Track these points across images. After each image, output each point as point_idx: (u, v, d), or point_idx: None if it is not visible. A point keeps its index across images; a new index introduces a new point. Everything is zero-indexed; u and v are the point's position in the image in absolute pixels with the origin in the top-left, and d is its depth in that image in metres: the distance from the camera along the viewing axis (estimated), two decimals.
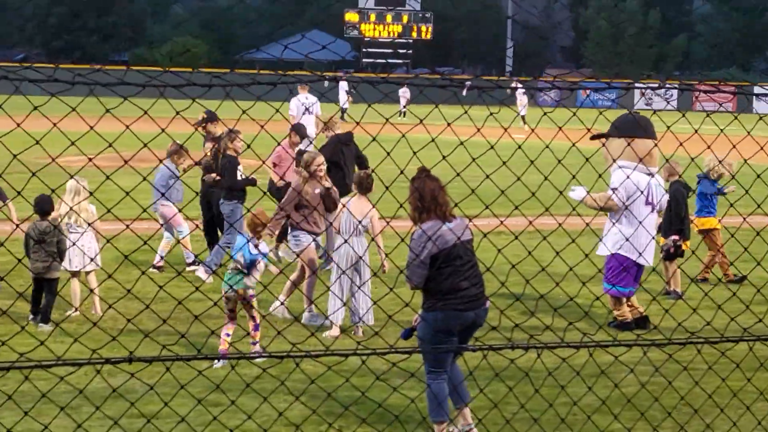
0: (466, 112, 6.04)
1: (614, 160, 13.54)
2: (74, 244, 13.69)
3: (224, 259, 16.93)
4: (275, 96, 5.69)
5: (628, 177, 13.07)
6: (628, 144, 13.00)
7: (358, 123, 6.24)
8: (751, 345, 7.69)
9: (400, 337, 9.53)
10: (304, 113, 28.90)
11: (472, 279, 9.28)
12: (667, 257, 16.30)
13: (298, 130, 19.33)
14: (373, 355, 6.17)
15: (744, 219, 7.77)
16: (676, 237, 16.15)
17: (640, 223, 13.40)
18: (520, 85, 55.21)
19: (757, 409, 9.86)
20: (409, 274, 9.21)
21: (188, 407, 9.06)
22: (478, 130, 5.87)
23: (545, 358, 8.91)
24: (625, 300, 14.26)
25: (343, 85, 63.53)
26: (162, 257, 17.55)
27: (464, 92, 48.72)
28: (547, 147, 7.62)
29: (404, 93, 71.65)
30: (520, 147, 6.29)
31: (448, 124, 6.04)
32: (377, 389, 9.65)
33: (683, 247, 16.41)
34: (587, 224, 7.96)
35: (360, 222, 13.00)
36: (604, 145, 13.89)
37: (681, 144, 7.42)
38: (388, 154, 6.32)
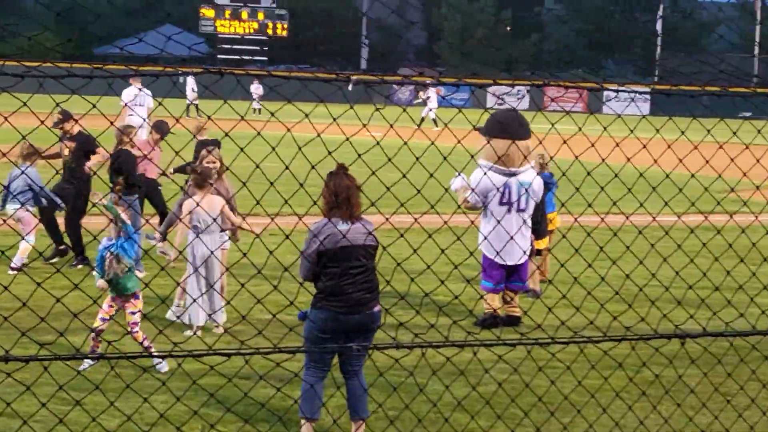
0: (352, 107, 5.94)
1: (472, 157, 13.54)
2: None
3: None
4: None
5: (484, 183, 13.24)
6: (488, 141, 13.00)
7: (210, 117, 6.12)
8: (613, 345, 7.74)
9: (298, 317, 9.40)
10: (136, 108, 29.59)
11: (361, 284, 9.11)
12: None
13: (160, 127, 19.03)
14: (256, 355, 6.05)
15: (575, 219, 7.78)
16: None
17: (500, 222, 13.43)
18: (429, 81, 55.06)
19: (614, 408, 9.91)
20: (300, 270, 9.16)
21: (67, 407, 8.86)
22: (334, 119, 5.75)
23: (412, 356, 8.88)
24: (498, 296, 14.29)
25: (190, 81, 63.12)
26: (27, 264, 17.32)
27: (350, 87, 48.64)
28: (406, 144, 7.53)
29: (257, 89, 71.08)
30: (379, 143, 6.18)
31: (335, 121, 5.91)
32: (260, 388, 9.55)
33: (538, 245, 16.47)
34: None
35: (214, 219, 12.85)
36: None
37: (540, 142, 7.40)
38: (242, 150, 6.18)
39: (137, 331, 11.34)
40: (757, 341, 9.93)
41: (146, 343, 11.18)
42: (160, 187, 19.39)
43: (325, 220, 9.05)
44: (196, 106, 61.13)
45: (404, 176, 7.36)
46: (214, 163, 14.23)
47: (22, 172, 16.17)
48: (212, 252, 12.84)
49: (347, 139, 6.68)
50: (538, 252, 16.68)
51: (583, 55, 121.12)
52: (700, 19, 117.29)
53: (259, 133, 6.07)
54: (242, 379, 9.73)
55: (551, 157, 7.76)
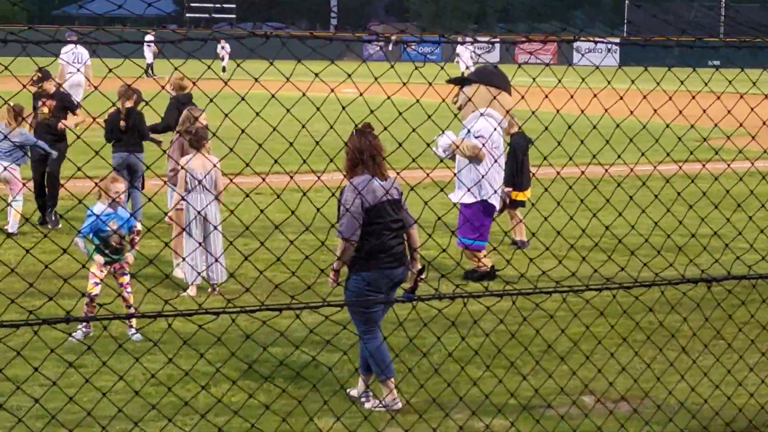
0: (333, 62, 6.06)
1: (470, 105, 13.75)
2: None
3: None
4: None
5: (495, 129, 13.43)
6: (495, 97, 13.32)
7: (194, 83, 6.23)
8: (614, 293, 7.98)
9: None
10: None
11: (400, 237, 9.32)
12: (501, 208, 16.63)
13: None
14: (242, 314, 6.21)
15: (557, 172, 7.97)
16: (509, 189, 16.42)
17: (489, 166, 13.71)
18: (468, 40, 54.99)
19: (620, 354, 10.16)
20: (342, 228, 9.10)
21: (58, 369, 9.05)
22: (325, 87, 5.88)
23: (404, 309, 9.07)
24: (481, 253, 14.52)
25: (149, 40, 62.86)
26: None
27: (390, 47, 48.45)
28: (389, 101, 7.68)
29: (224, 47, 70.53)
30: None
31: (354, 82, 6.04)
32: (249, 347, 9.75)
33: (522, 197, 16.80)
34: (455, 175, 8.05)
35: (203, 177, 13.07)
36: (461, 91, 14.05)
37: (522, 97, 7.57)
38: (227, 115, 6.30)
39: (129, 292, 11.51)
40: (732, 286, 10.16)
41: (132, 309, 11.32)
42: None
43: (359, 178, 9.14)
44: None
45: (386, 129, 7.54)
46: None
47: (5, 137, 16.42)
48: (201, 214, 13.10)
49: (361, 94, 6.82)
50: (522, 203, 16.98)
51: (554, 5, 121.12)
52: None
53: (242, 97, 6.19)
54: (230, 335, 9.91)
55: (533, 112, 7.95)
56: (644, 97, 8.01)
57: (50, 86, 18.54)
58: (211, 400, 8.79)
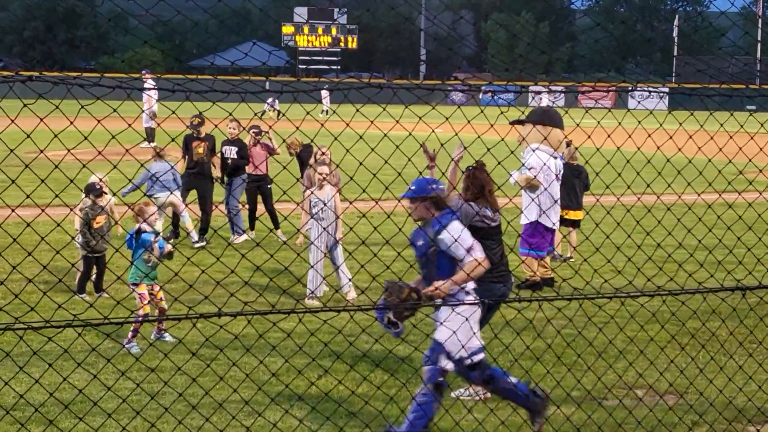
0: (406, 106, 6.38)
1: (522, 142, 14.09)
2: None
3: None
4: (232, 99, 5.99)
5: (545, 163, 13.72)
6: (545, 137, 13.65)
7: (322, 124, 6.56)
8: (664, 299, 8.15)
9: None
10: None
11: (502, 257, 9.35)
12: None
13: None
14: (359, 311, 6.45)
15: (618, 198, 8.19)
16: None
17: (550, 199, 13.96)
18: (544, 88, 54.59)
19: (668, 351, 10.27)
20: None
21: (184, 361, 9.39)
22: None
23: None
24: (537, 262, 14.74)
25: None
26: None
27: (480, 95, 48.60)
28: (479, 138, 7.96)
29: (326, 94, 70.77)
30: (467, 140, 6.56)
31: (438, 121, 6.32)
32: (361, 343, 9.97)
33: (573, 216, 17.21)
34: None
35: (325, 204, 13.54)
36: (518, 131, 14.39)
37: (588, 136, 7.83)
38: (348, 150, 6.60)
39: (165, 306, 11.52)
40: (763, 294, 10.26)
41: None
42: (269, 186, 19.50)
43: (475, 207, 9.16)
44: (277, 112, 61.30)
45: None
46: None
47: (172, 167, 17.11)
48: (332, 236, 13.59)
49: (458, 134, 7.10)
50: (574, 222, 17.37)
51: (610, 58, 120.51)
52: (710, 27, 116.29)
53: (360, 136, 6.49)
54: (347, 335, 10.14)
55: (598, 148, 8.18)
56: (690, 137, 8.20)
57: (203, 129, 18.98)
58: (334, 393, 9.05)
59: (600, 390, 9.42)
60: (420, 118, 6.47)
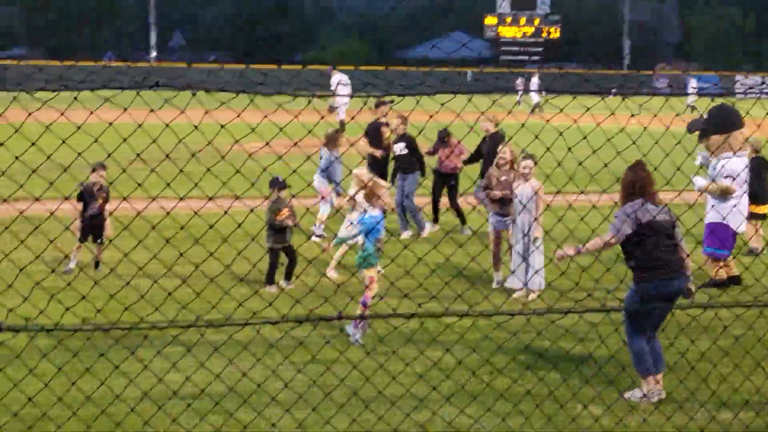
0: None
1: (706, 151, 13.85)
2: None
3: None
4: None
5: (740, 172, 13.49)
6: (725, 139, 13.40)
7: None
8: None
9: None
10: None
11: (674, 253, 9.36)
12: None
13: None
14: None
15: None
16: None
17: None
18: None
19: None
20: (615, 226, 9.25)
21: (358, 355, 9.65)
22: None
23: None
24: (722, 262, 14.49)
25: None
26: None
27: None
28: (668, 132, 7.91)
29: (519, 84, 70.19)
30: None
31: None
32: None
33: (761, 210, 16.91)
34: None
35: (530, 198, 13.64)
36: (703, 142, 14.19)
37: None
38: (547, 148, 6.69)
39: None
40: None
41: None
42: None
43: (636, 202, 9.36)
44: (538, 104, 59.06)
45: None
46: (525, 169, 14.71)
47: (336, 159, 17.54)
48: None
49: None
50: (762, 216, 17.12)
51: None
52: None
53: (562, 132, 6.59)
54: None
55: None
56: None
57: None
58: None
59: None
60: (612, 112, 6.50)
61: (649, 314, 9.33)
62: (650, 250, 9.23)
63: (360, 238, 11.66)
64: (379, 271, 12.07)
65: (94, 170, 14.99)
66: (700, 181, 14.12)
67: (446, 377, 9.25)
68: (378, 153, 19.34)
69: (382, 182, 12.29)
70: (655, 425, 8.38)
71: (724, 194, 14.02)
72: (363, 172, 13.41)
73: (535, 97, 60.83)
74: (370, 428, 8.03)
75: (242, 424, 8.03)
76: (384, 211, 11.79)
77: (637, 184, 9.47)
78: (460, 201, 19.29)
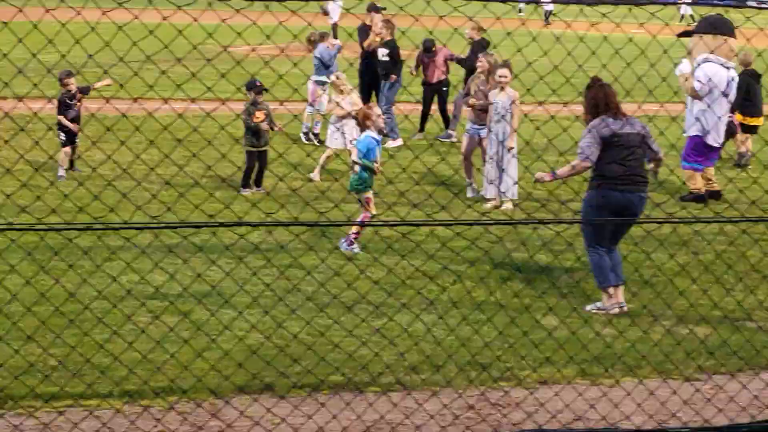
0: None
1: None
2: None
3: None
4: None
5: (717, 82, 13.41)
6: (719, 45, 13.40)
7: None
8: None
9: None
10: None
11: (627, 167, 9.30)
12: (731, 133, 16.49)
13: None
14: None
15: None
16: (731, 115, 15.96)
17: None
18: None
19: None
20: (580, 150, 9.26)
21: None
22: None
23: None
24: (700, 175, 14.47)
25: None
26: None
27: None
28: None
29: None
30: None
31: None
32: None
33: (754, 122, 16.80)
34: None
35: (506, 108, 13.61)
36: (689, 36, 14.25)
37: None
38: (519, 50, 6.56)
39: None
40: None
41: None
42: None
43: (596, 120, 9.33)
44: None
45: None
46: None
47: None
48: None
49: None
50: (754, 128, 17.01)
51: None
52: None
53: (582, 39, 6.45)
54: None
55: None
56: None
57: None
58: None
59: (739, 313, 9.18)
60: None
61: (601, 225, 9.34)
62: (604, 161, 9.24)
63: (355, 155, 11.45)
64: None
65: (63, 79, 14.81)
66: (681, 67, 14.06)
67: (402, 283, 9.19)
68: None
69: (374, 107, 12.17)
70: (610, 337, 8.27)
71: (692, 95, 13.98)
72: (354, 96, 13.30)
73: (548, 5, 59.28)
74: (325, 332, 7.95)
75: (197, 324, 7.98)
76: (380, 132, 11.69)
77: (600, 102, 9.42)
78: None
